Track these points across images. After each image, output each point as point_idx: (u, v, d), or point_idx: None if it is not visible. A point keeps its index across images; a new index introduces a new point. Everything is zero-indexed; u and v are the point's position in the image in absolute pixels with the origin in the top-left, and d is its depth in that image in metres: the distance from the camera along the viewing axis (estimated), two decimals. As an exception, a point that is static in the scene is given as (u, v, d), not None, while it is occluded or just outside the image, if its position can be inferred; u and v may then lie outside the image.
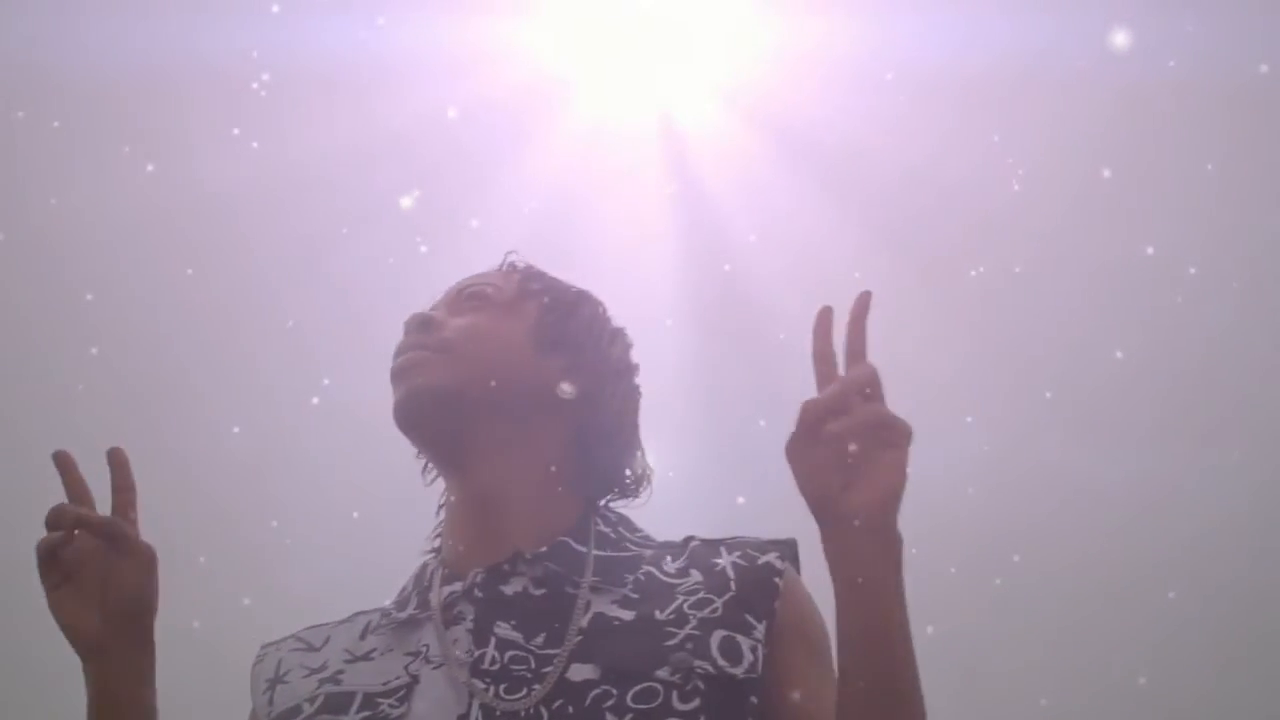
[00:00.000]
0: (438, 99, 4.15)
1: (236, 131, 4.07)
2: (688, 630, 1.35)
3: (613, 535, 1.47)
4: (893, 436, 1.30)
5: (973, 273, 4.36)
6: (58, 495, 1.46)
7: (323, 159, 4.13)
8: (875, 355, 1.42)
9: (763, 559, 1.43)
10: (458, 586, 1.41)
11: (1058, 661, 4.14)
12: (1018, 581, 4.16)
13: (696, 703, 1.30)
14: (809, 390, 1.32)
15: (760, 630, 1.37)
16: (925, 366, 4.30)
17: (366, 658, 1.42)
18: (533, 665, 1.33)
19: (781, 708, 1.35)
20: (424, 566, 1.50)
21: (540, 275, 1.58)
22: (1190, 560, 4.11)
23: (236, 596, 3.86)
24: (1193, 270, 4.20)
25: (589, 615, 1.37)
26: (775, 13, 4.23)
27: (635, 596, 1.39)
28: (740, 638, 1.36)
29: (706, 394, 4.05)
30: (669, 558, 1.45)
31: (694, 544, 1.47)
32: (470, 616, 1.38)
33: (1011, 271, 4.36)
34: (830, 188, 4.36)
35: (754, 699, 1.34)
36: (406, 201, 4.01)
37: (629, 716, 1.28)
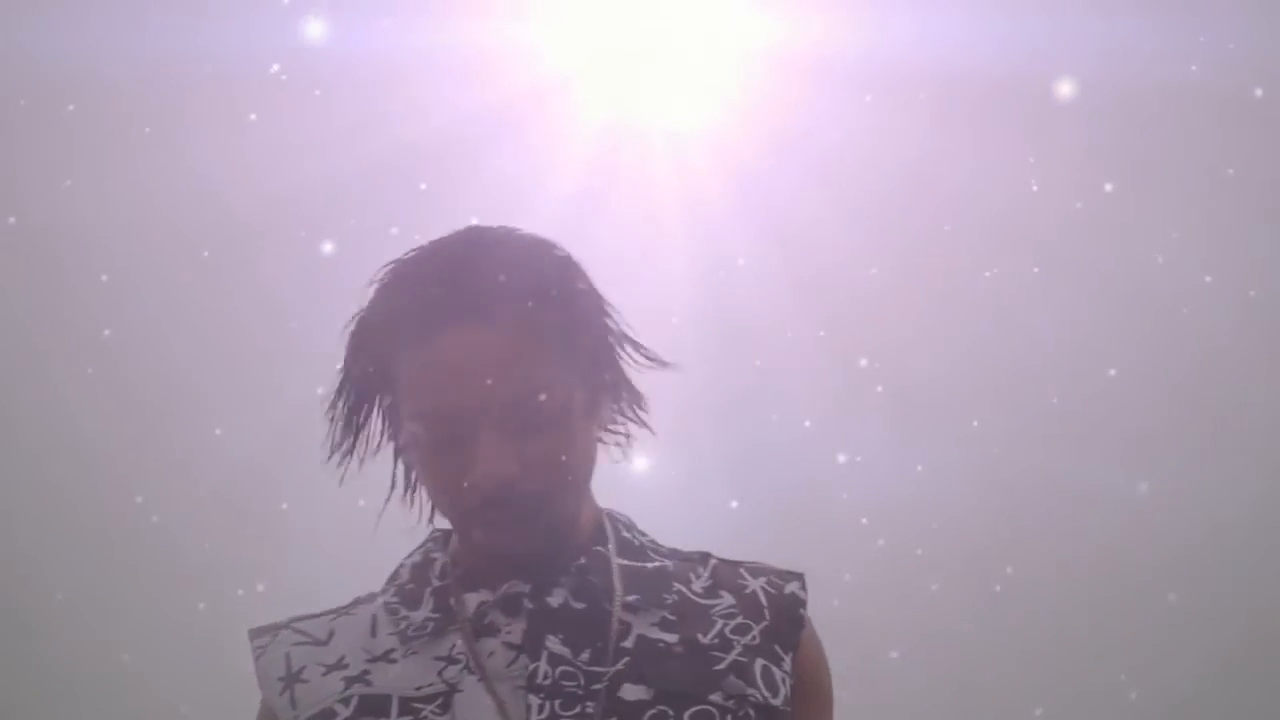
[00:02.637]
0: (440, 101, 4.15)
1: (238, 131, 4.08)
2: (733, 656, 1.35)
3: (634, 542, 1.45)
4: None
5: (974, 277, 4.36)
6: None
7: (325, 158, 4.13)
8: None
9: (788, 588, 1.44)
10: (487, 596, 1.36)
11: (1055, 668, 4.14)
12: (1015, 587, 4.16)
13: None
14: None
15: (788, 663, 1.38)
16: (925, 370, 4.30)
17: (387, 658, 1.37)
18: (582, 682, 1.30)
19: None
20: (428, 562, 1.43)
21: (606, 358, 1.40)
22: (1189, 566, 4.11)
23: (244, 581, 3.87)
24: (1208, 279, 4.20)
25: (633, 636, 1.35)
26: (776, 14, 4.23)
27: (674, 619, 1.37)
28: (775, 669, 1.37)
29: (705, 396, 4.05)
30: (692, 575, 1.43)
31: (714, 562, 1.46)
32: (511, 628, 1.34)
33: (1013, 276, 4.36)
34: (831, 189, 4.36)
35: None
36: (409, 200, 4.01)
37: None
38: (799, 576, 1.46)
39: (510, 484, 1.30)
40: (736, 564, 1.46)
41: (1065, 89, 4.15)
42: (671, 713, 1.29)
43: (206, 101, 4.12)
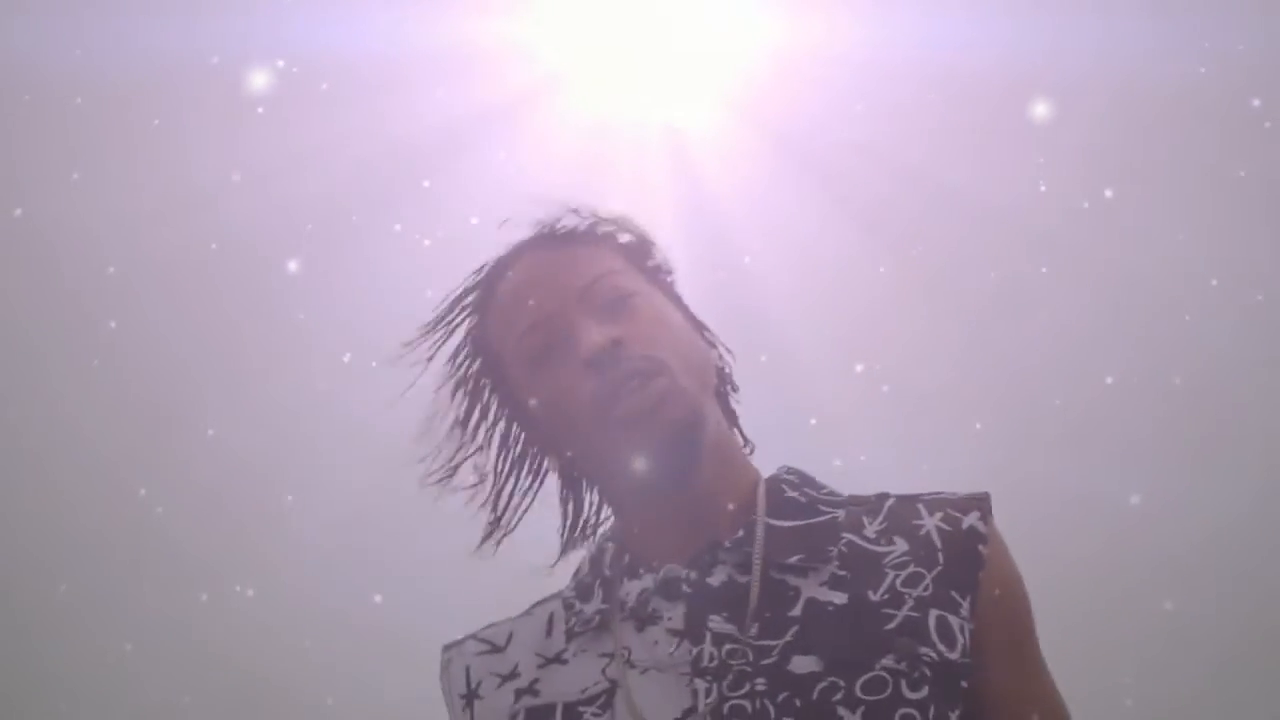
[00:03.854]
0: (439, 98, 4.15)
1: (237, 131, 4.08)
2: (905, 612, 1.30)
3: (802, 500, 1.40)
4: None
5: (978, 278, 4.36)
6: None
7: (325, 157, 4.13)
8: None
9: (966, 522, 1.38)
10: (647, 581, 1.34)
11: (1052, 672, 4.13)
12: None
13: (925, 691, 1.26)
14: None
15: (966, 607, 1.32)
16: (928, 371, 4.29)
17: (559, 660, 1.36)
18: (751, 658, 1.27)
19: (985, 692, 1.31)
20: (601, 551, 1.42)
21: (644, 243, 1.48)
22: (1186, 574, 4.11)
23: (246, 574, 3.87)
24: (1214, 282, 4.19)
25: (801, 602, 1.30)
26: (776, 13, 4.22)
27: (844, 574, 1.32)
28: (951, 617, 1.31)
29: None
30: (866, 518, 1.38)
31: (890, 502, 1.41)
32: (672, 614, 1.31)
33: (1018, 277, 4.35)
34: (831, 189, 4.36)
35: (964, 683, 1.29)
36: (408, 197, 4.01)
37: (861, 709, 1.24)
38: (980, 503, 1.41)
39: (618, 342, 1.33)
40: (915, 499, 1.41)
41: (1070, 91, 4.15)
42: (843, 683, 1.24)
43: (206, 100, 4.11)
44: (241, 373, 4.26)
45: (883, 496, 1.42)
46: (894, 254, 4.37)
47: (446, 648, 1.46)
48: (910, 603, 1.31)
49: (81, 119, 4.14)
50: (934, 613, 1.30)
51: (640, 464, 1.33)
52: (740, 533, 1.35)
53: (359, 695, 3.83)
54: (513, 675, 1.38)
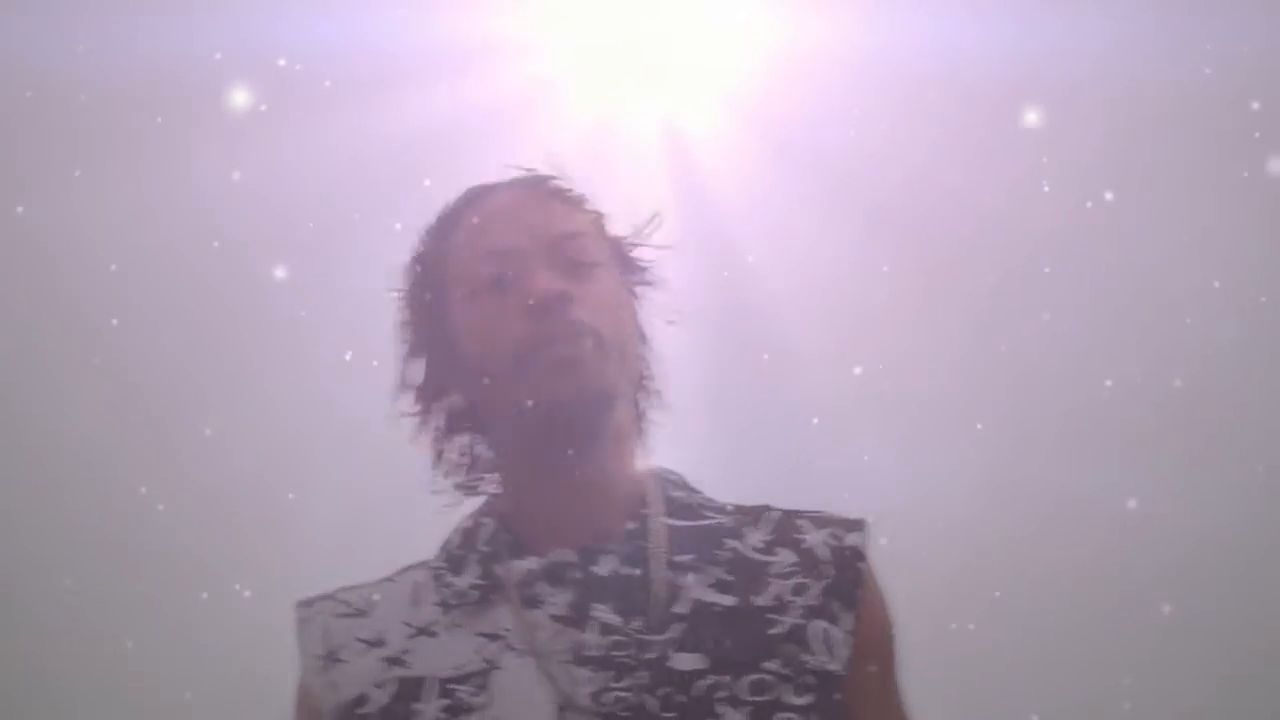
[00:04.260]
0: (440, 97, 4.15)
1: (238, 128, 4.08)
2: (791, 619, 1.30)
3: (687, 500, 1.39)
4: None
5: (982, 278, 4.35)
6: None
7: (326, 154, 4.13)
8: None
9: (849, 539, 1.38)
10: (532, 563, 1.32)
11: (1051, 676, 4.13)
12: (1015, 593, 4.15)
13: (809, 698, 1.26)
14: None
15: (848, 622, 1.33)
16: (927, 373, 4.29)
17: (429, 632, 1.33)
18: (634, 652, 1.26)
19: (851, 712, 1.31)
20: (478, 525, 1.40)
21: (603, 220, 1.46)
22: (1184, 578, 4.10)
23: (248, 571, 3.87)
24: (1217, 284, 4.19)
25: (688, 601, 1.29)
26: (777, 14, 4.22)
27: (730, 579, 1.32)
28: (834, 630, 1.31)
29: (705, 397, 4.04)
30: (748, 528, 1.38)
31: (772, 513, 1.40)
32: (556, 600, 1.30)
33: (1021, 278, 4.35)
34: (834, 189, 4.35)
35: (837, 695, 1.29)
36: (407, 196, 4.01)
37: (745, 709, 1.23)
38: (861, 525, 1.40)
39: (565, 296, 1.31)
40: (796, 515, 1.41)
41: (1072, 92, 4.14)
42: (727, 681, 1.24)
43: (208, 98, 4.11)
44: (242, 370, 4.26)
45: (763, 508, 1.41)
46: (896, 254, 4.37)
47: (301, 605, 1.42)
48: (797, 611, 1.31)
49: (83, 116, 4.14)
50: (818, 623, 1.31)
51: (541, 421, 1.32)
52: (633, 525, 1.34)
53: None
54: (379, 642, 1.34)
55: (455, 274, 1.40)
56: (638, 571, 1.31)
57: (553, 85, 4.30)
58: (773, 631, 1.29)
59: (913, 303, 4.34)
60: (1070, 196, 4.27)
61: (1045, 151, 4.26)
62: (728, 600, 1.30)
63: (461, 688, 1.27)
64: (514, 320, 1.33)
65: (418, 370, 1.44)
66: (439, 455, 1.43)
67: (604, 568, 1.32)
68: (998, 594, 4.12)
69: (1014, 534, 4.19)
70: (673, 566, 1.32)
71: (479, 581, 1.34)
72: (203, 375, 4.29)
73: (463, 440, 1.43)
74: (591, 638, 1.27)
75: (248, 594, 3.83)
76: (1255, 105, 4.06)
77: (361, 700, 1.31)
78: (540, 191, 1.44)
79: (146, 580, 4.10)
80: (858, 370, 4.19)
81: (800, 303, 4.31)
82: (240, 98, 4.05)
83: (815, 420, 4.17)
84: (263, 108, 4.07)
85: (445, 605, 1.34)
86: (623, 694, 1.24)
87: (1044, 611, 4.20)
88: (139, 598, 4.10)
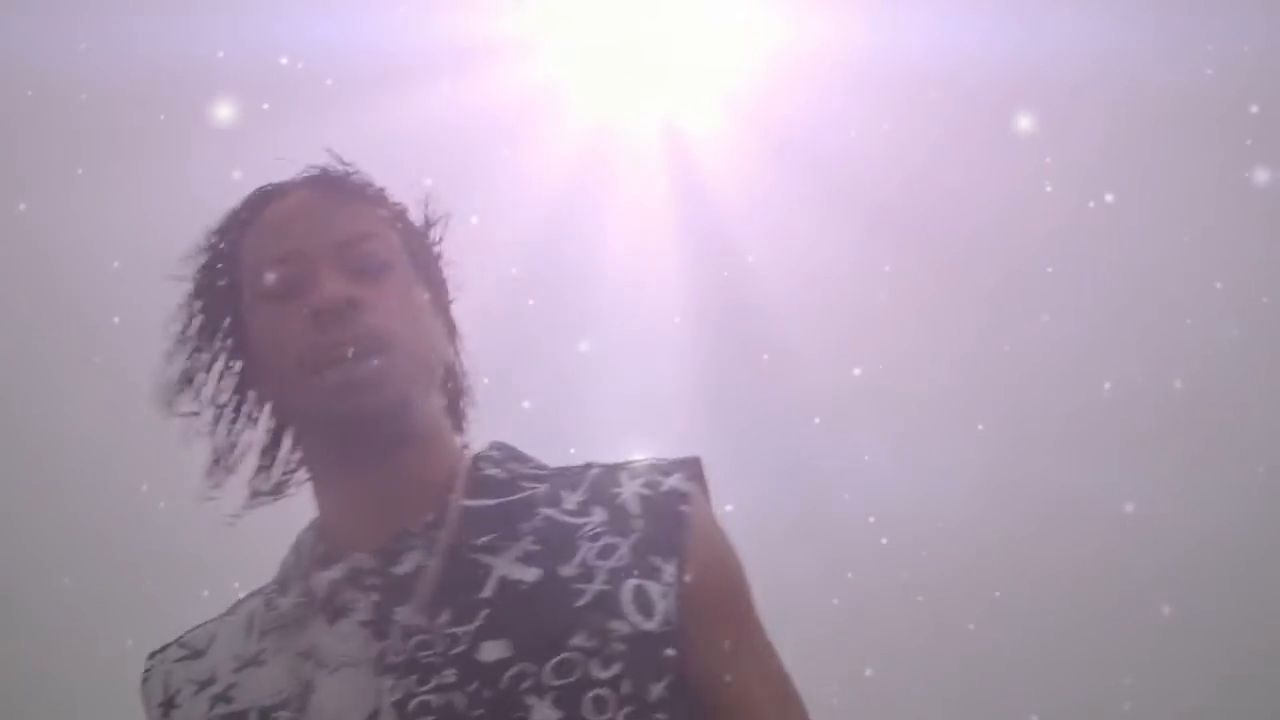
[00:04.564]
0: (442, 95, 4.15)
1: (240, 126, 4.08)
2: (597, 585, 1.23)
3: (503, 476, 1.33)
4: None
5: (984, 279, 4.35)
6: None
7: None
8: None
9: (667, 484, 1.29)
10: (336, 572, 1.27)
11: (1051, 675, 4.13)
12: (1015, 593, 4.15)
13: (618, 668, 1.19)
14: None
15: (670, 572, 1.24)
16: (929, 372, 4.29)
17: (257, 661, 1.30)
18: (440, 649, 1.20)
19: (699, 664, 1.24)
20: (301, 541, 1.37)
21: (402, 216, 1.41)
22: (1187, 576, 4.10)
23: (249, 568, 3.86)
24: (1218, 285, 4.18)
25: (493, 582, 1.23)
26: (778, 15, 4.22)
27: (537, 549, 1.25)
28: (651, 584, 1.23)
29: (705, 397, 4.04)
30: (566, 491, 1.31)
31: (593, 471, 1.33)
32: (360, 606, 1.24)
33: (1024, 278, 4.35)
34: (836, 189, 4.36)
35: (669, 651, 1.22)
36: (408, 195, 4.01)
37: (550, 696, 1.17)
38: (688, 465, 1.32)
39: (353, 303, 1.27)
40: (619, 467, 1.33)
41: (1074, 92, 4.14)
42: (533, 669, 1.18)
43: (210, 96, 4.12)
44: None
45: (587, 466, 1.35)
46: (897, 254, 4.37)
47: (150, 655, 1.41)
48: (603, 575, 1.23)
49: (85, 114, 4.14)
50: (630, 583, 1.23)
51: (335, 433, 1.29)
52: (431, 516, 1.29)
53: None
54: (210, 681, 1.32)
55: (246, 277, 1.36)
56: (439, 563, 1.25)
57: (553, 85, 4.30)
58: (579, 604, 1.22)
59: (913, 303, 4.34)
60: (1072, 198, 4.27)
61: (1047, 152, 4.26)
62: (532, 574, 1.24)
63: (281, 714, 1.24)
64: (298, 327, 1.28)
65: (208, 371, 1.41)
66: (230, 456, 1.40)
67: (405, 565, 1.26)
68: (998, 594, 4.13)
69: (1014, 534, 4.19)
70: (475, 549, 1.26)
71: (300, 599, 1.30)
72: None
73: (261, 439, 1.40)
74: (394, 643, 1.22)
75: (251, 588, 3.84)
76: (1257, 106, 4.06)
77: None
78: (331, 190, 1.39)
79: (147, 578, 4.10)
80: (858, 371, 4.19)
81: (801, 303, 4.31)
82: (242, 96, 4.06)
83: (817, 419, 4.17)
84: (265, 106, 4.08)
85: (264, 631, 1.31)
86: (427, 697, 1.19)
87: (1044, 612, 4.20)
88: (139, 596, 4.10)
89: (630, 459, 1.34)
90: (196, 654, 1.36)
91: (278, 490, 1.41)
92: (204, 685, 1.32)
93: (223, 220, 1.43)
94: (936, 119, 4.27)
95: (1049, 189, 4.25)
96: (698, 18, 4.27)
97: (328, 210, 1.36)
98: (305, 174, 1.42)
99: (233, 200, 1.45)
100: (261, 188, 1.43)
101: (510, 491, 1.31)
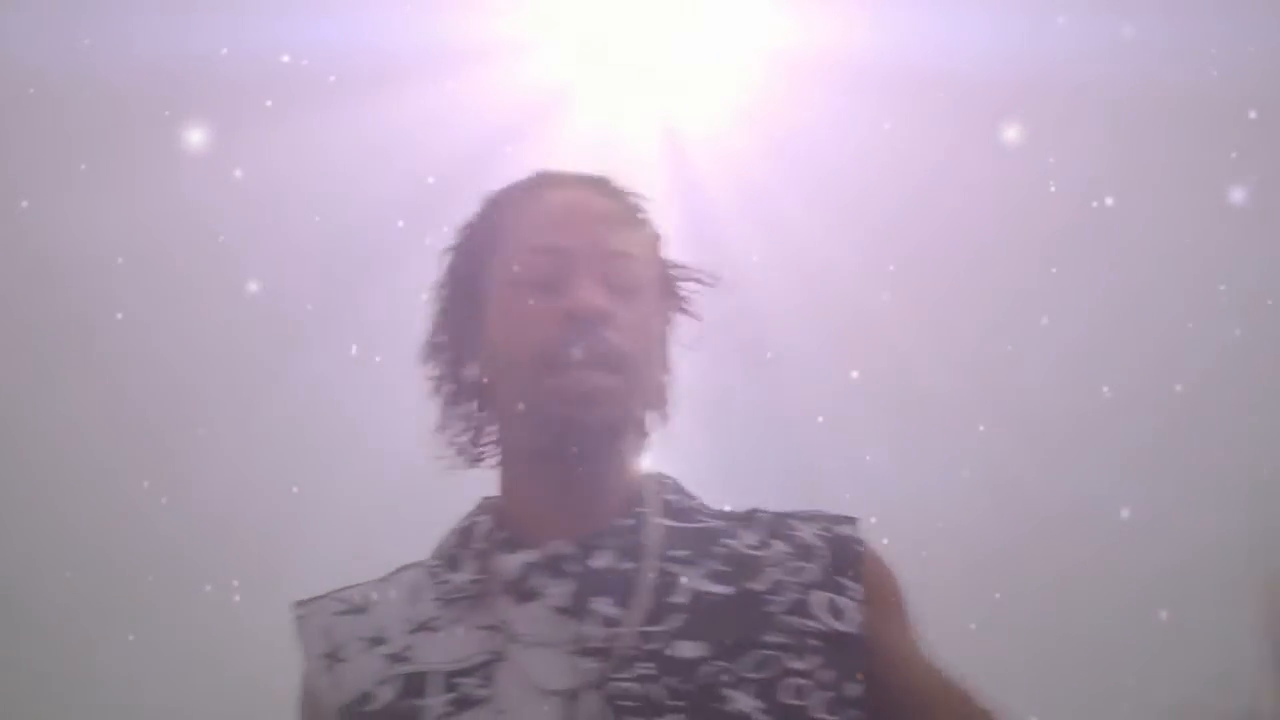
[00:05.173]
0: (444, 95, 4.15)
1: (243, 124, 4.08)
2: (789, 596, 1.31)
3: (681, 504, 1.40)
4: None
5: (982, 280, 4.35)
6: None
7: (329, 151, 4.13)
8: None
9: (839, 530, 1.39)
10: (530, 556, 1.32)
11: (1049, 678, 4.13)
12: (1015, 595, 4.15)
13: (815, 660, 1.28)
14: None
15: (854, 589, 1.33)
16: (927, 375, 4.29)
17: (429, 627, 1.33)
18: (635, 642, 1.27)
19: (881, 669, 1.32)
20: (473, 525, 1.40)
21: (659, 243, 1.44)
22: (1186, 580, 4.10)
23: (250, 565, 3.88)
24: (1222, 287, 4.18)
25: (685, 592, 1.30)
26: (779, 18, 4.22)
27: (726, 570, 1.33)
28: (838, 597, 1.32)
29: (707, 397, 4.04)
30: (741, 530, 1.38)
31: (762, 515, 1.41)
32: (554, 592, 1.30)
33: (1027, 278, 4.35)
34: (834, 191, 4.35)
35: (859, 651, 1.31)
36: (410, 192, 4.02)
37: (749, 687, 1.24)
38: (851, 521, 1.41)
39: (604, 315, 1.30)
40: (786, 515, 1.42)
41: (1076, 93, 4.14)
42: (728, 664, 1.25)
43: (213, 93, 4.12)
44: (246, 364, 4.27)
45: (753, 511, 1.42)
46: (898, 255, 4.37)
47: (299, 605, 1.41)
48: (794, 589, 1.32)
49: (87, 111, 4.14)
50: (819, 594, 1.32)
51: (553, 431, 1.32)
52: (624, 521, 1.34)
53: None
54: (380, 639, 1.34)
55: (502, 256, 1.37)
56: (632, 565, 1.32)
57: (554, 85, 4.30)
58: (771, 609, 1.30)
59: (915, 304, 4.34)
60: (1075, 199, 4.27)
61: (1050, 153, 4.26)
62: (724, 589, 1.31)
63: (466, 680, 1.27)
64: (546, 323, 1.32)
65: (443, 333, 1.43)
66: (445, 419, 1.42)
67: (599, 561, 1.32)
68: (998, 595, 4.12)
69: (1015, 535, 4.19)
70: (668, 560, 1.33)
71: (476, 577, 1.34)
72: (206, 369, 4.29)
73: (471, 409, 1.41)
74: (592, 629, 1.28)
75: (251, 587, 3.84)
76: (1260, 108, 4.06)
77: (366, 698, 1.30)
78: (608, 198, 1.42)
79: (149, 573, 4.10)
80: (857, 372, 4.19)
81: (803, 303, 4.31)
82: (245, 92, 4.06)
83: (819, 419, 4.17)
84: (267, 103, 4.08)
85: (444, 600, 1.34)
86: (628, 685, 1.24)
87: (1044, 613, 4.20)
88: (141, 591, 4.10)
89: (792, 510, 1.43)
90: (357, 610, 1.37)
91: (474, 461, 1.42)
92: (374, 643, 1.34)
93: (495, 194, 1.44)
94: (939, 119, 4.26)
95: (1053, 189, 4.25)
96: (699, 18, 4.26)
97: (604, 217, 1.38)
98: (585, 174, 1.44)
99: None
100: (542, 172, 1.44)
101: (691, 519, 1.39)
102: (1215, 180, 4.21)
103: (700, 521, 1.39)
